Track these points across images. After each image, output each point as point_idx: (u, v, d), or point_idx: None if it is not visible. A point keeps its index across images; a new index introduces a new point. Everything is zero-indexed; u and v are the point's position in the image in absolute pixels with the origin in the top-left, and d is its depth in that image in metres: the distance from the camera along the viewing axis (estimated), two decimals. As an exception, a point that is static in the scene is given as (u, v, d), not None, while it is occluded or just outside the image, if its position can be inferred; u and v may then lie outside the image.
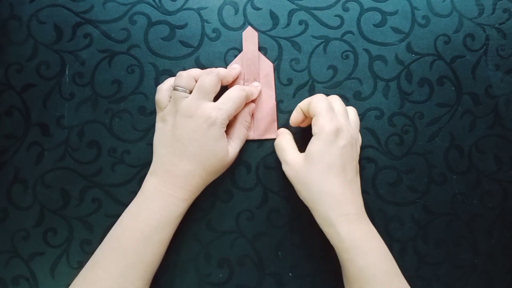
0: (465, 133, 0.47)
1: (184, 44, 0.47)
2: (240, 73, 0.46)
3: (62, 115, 0.47)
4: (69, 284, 0.43)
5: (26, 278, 0.45)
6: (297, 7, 0.48)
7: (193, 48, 0.47)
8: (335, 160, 0.39)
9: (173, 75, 0.47)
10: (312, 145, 0.40)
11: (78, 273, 0.44)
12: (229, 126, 0.44)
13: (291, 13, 0.48)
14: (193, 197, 0.43)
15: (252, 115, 0.46)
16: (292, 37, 0.48)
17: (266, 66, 0.47)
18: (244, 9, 0.48)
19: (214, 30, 0.48)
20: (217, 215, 0.46)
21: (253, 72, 0.46)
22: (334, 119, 0.40)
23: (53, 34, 0.47)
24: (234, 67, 0.46)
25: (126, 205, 0.45)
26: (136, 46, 0.47)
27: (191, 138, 0.41)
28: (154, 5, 0.48)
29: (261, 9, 0.48)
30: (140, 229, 0.40)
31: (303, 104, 0.43)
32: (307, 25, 0.48)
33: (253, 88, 0.46)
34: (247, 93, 0.44)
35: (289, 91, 0.47)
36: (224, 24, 0.48)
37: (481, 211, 0.46)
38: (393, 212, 0.46)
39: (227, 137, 0.43)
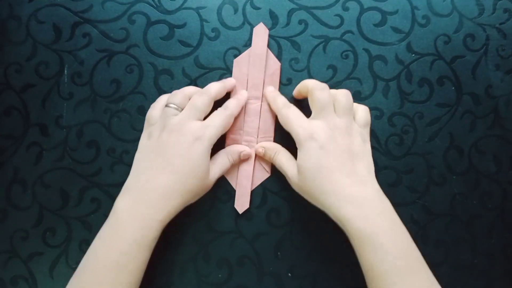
0: (465, 133, 0.46)
1: (183, 43, 0.47)
2: (235, 85, 0.46)
3: (61, 115, 0.46)
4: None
5: (25, 278, 0.45)
6: (297, 7, 0.48)
7: (192, 48, 0.47)
8: (321, 161, 0.39)
9: (173, 74, 0.47)
10: (297, 159, 0.41)
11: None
12: (215, 154, 0.44)
13: (290, 13, 0.48)
14: (168, 218, 0.40)
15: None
16: (291, 36, 0.47)
17: (273, 65, 0.46)
18: (244, 9, 0.48)
19: (213, 30, 0.47)
20: (216, 215, 0.46)
21: (258, 70, 0.46)
22: (304, 125, 0.41)
23: (52, 33, 0.47)
24: (229, 80, 0.46)
25: (125, 205, 0.45)
26: (135, 45, 0.47)
27: (175, 153, 0.40)
28: (153, 4, 0.48)
29: (261, 8, 0.48)
30: (114, 259, 0.38)
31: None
32: (306, 24, 0.47)
33: (238, 101, 0.45)
34: (232, 111, 0.43)
35: (289, 91, 0.47)
36: (223, 24, 0.48)
37: (481, 212, 0.46)
38: (392, 213, 0.46)
39: (210, 162, 0.42)
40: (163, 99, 0.44)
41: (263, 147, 0.45)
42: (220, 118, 0.42)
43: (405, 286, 0.36)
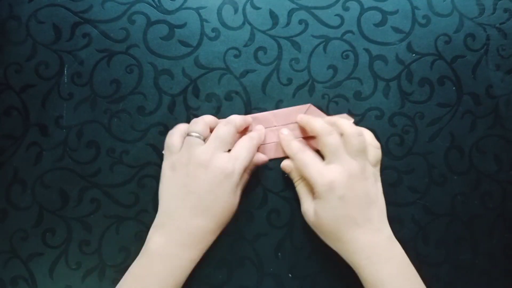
0: (465, 133, 0.46)
1: (183, 43, 0.47)
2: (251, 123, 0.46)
3: (60, 115, 0.46)
4: (68, 285, 0.43)
5: (24, 278, 0.45)
6: (297, 6, 0.48)
7: (192, 48, 0.47)
8: (337, 213, 0.39)
9: (173, 75, 0.47)
10: (315, 203, 0.41)
11: (76, 274, 0.44)
12: None
13: (291, 13, 0.48)
14: (201, 255, 0.41)
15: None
16: (292, 36, 0.47)
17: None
18: (244, 9, 0.48)
19: (213, 30, 0.47)
20: (216, 216, 0.46)
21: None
22: (322, 171, 0.40)
23: (52, 34, 0.47)
24: (248, 117, 0.45)
25: (125, 205, 0.45)
26: (135, 45, 0.47)
27: (207, 190, 0.39)
28: (153, 4, 0.48)
29: (261, 8, 0.48)
30: None
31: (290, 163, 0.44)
32: (307, 24, 0.47)
33: (260, 132, 0.45)
34: (257, 141, 0.43)
35: (289, 91, 0.47)
36: (223, 24, 0.47)
37: (482, 212, 0.46)
38: (393, 213, 0.46)
39: None
40: (180, 127, 0.44)
41: (290, 165, 0.44)
42: (247, 150, 0.42)
43: None
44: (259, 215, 0.46)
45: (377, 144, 0.43)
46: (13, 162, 0.46)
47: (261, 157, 0.45)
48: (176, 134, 0.42)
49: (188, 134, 0.41)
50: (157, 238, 0.40)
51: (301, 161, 0.42)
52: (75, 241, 0.45)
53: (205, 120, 0.43)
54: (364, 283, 0.40)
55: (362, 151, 0.41)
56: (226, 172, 0.39)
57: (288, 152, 0.44)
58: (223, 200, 0.40)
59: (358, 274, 0.40)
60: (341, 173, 0.39)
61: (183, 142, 0.42)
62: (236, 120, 0.43)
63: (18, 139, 0.46)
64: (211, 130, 0.43)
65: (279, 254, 0.45)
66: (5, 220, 0.45)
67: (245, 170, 0.42)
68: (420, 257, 0.45)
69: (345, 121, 0.43)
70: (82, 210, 0.46)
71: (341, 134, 0.41)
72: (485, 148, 0.46)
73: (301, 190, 0.43)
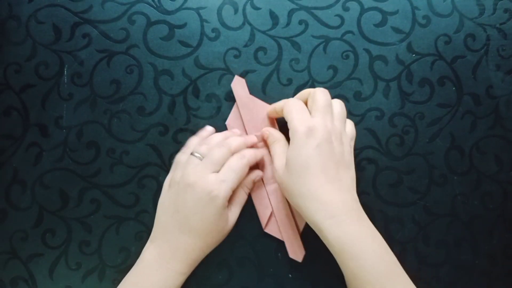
0: (465, 133, 0.46)
1: (183, 44, 0.47)
2: (255, 142, 0.45)
3: (60, 115, 0.46)
4: (68, 285, 0.43)
5: (24, 279, 0.45)
6: (297, 7, 0.48)
7: (192, 48, 0.47)
8: (311, 161, 0.38)
9: (173, 75, 0.47)
10: (288, 150, 0.40)
11: (77, 274, 0.44)
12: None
13: (291, 13, 0.48)
14: (191, 269, 0.43)
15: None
16: (292, 36, 0.47)
17: (263, 109, 0.46)
18: (244, 9, 0.48)
19: (213, 30, 0.47)
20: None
21: (251, 119, 0.46)
22: (305, 118, 0.39)
23: (51, 34, 0.47)
24: (251, 137, 0.45)
25: (125, 206, 0.45)
26: (135, 46, 0.47)
27: (192, 211, 0.41)
28: (153, 4, 0.48)
29: (261, 8, 0.48)
30: None
31: (278, 106, 0.43)
32: (307, 24, 0.47)
33: (255, 151, 0.44)
34: (248, 160, 0.42)
35: (289, 91, 0.47)
36: (223, 24, 0.47)
37: (482, 212, 0.46)
38: (393, 213, 0.46)
39: (228, 203, 0.42)
40: (192, 143, 0.45)
41: (269, 131, 0.44)
42: (236, 172, 0.41)
43: None
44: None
45: (353, 123, 0.43)
46: (13, 163, 0.46)
47: (257, 173, 0.45)
48: (186, 153, 0.44)
49: (192, 153, 0.43)
50: (151, 250, 0.42)
51: (291, 105, 0.41)
52: (75, 241, 0.45)
53: (211, 142, 0.43)
54: (330, 246, 0.38)
55: (344, 118, 0.41)
56: (212, 195, 0.40)
57: (280, 103, 0.43)
58: (208, 222, 0.41)
59: (322, 238, 0.38)
60: (323, 126, 0.39)
61: None
62: (233, 144, 0.43)
63: (18, 139, 0.46)
64: None
65: (279, 254, 0.45)
66: (5, 221, 0.45)
67: (240, 187, 0.43)
68: (420, 258, 0.45)
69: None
70: (82, 210, 0.45)
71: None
72: (486, 149, 0.46)
73: (276, 149, 0.43)
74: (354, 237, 0.37)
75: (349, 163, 0.41)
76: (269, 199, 0.45)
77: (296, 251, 0.44)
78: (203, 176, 0.41)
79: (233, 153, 0.43)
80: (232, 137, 0.44)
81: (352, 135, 0.43)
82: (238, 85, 0.46)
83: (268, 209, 0.45)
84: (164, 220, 0.42)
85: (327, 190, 0.38)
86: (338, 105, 0.42)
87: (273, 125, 0.46)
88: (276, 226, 0.45)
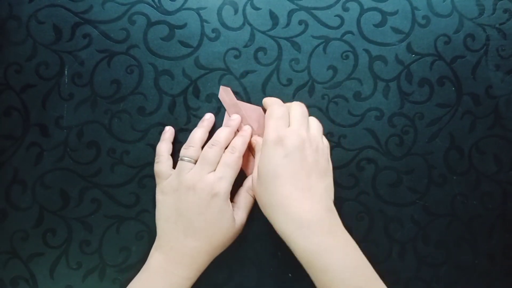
0: (465, 133, 0.46)
1: (183, 44, 0.47)
2: (240, 122, 0.46)
3: (61, 115, 0.46)
4: (68, 285, 0.43)
5: (25, 279, 0.45)
6: (297, 7, 0.48)
7: (193, 48, 0.47)
8: (279, 170, 0.38)
9: (173, 75, 0.47)
10: (259, 159, 0.41)
11: (77, 274, 0.44)
12: (236, 195, 0.44)
13: (290, 13, 0.48)
14: (198, 274, 0.42)
15: None
16: (291, 37, 0.47)
17: (255, 111, 0.46)
18: (244, 9, 0.48)
19: (213, 30, 0.47)
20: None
21: (245, 122, 0.46)
22: (280, 127, 0.40)
23: (52, 34, 0.47)
24: (234, 118, 0.45)
25: (125, 205, 0.45)
26: (135, 46, 0.47)
27: (196, 212, 0.40)
28: (154, 5, 0.48)
29: (261, 9, 0.48)
30: None
31: (266, 102, 0.45)
32: (307, 25, 0.47)
33: (244, 138, 0.44)
34: (240, 152, 0.43)
35: (289, 91, 0.47)
36: (223, 24, 0.48)
37: (481, 212, 0.46)
38: (393, 213, 0.46)
39: (234, 206, 0.43)
40: (162, 150, 0.44)
41: (256, 141, 0.45)
42: (231, 167, 0.42)
43: None
44: (260, 215, 0.46)
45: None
46: (13, 163, 0.46)
47: None
48: (162, 161, 0.44)
49: (181, 159, 0.42)
50: (157, 256, 0.41)
51: (271, 110, 0.42)
52: (75, 241, 0.45)
53: (196, 143, 0.43)
54: (299, 258, 0.38)
55: (319, 128, 0.43)
56: (213, 193, 0.40)
57: (267, 102, 0.45)
58: (213, 221, 0.41)
59: (291, 248, 0.38)
60: (296, 135, 0.39)
61: (170, 166, 0.43)
62: (221, 139, 0.43)
63: (18, 139, 0.46)
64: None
65: (279, 253, 0.45)
66: (5, 221, 0.46)
67: (244, 191, 0.44)
68: (420, 258, 0.45)
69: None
70: (82, 210, 0.46)
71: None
72: (485, 149, 0.46)
73: (257, 159, 0.43)
74: (322, 248, 0.36)
75: (325, 171, 0.41)
76: None
77: None
78: (202, 178, 0.41)
79: (224, 148, 0.43)
80: (219, 131, 0.44)
81: (327, 142, 0.44)
82: (224, 94, 0.46)
83: None
84: (167, 227, 0.42)
85: (296, 200, 0.37)
86: (314, 120, 0.44)
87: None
88: None
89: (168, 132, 0.45)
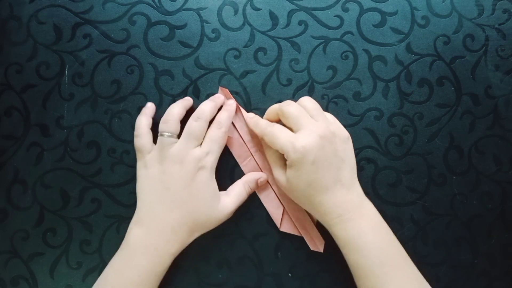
0: (464, 133, 0.47)
1: (183, 44, 0.47)
2: (223, 100, 0.46)
3: (61, 115, 0.47)
4: (68, 285, 0.43)
5: (25, 278, 0.45)
6: (297, 8, 0.48)
7: (193, 49, 0.47)
8: (311, 178, 0.40)
9: (173, 75, 0.47)
10: (288, 173, 0.41)
11: (77, 273, 0.44)
12: (233, 184, 0.44)
13: (290, 14, 0.48)
14: (179, 250, 0.42)
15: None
16: (291, 37, 0.48)
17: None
18: (244, 10, 0.48)
19: (213, 31, 0.48)
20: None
21: (245, 123, 0.46)
22: (291, 139, 0.40)
23: (52, 34, 0.47)
24: (217, 96, 0.46)
25: (125, 205, 0.46)
26: (135, 46, 0.47)
27: (181, 185, 0.41)
28: (154, 5, 0.48)
29: (261, 9, 0.48)
30: (124, 286, 0.40)
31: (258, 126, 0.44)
32: (306, 25, 0.48)
33: (228, 112, 0.44)
34: (226, 127, 0.43)
35: (289, 91, 0.47)
36: (223, 25, 0.48)
37: (481, 212, 0.46)
38: (392, 213, 0.46)
39: (225, 194, 0.43)
40: (143, 124, 0.44)
41: (256, 123, 0.44)
42: (217, 142, 0.42)
43: (390, 281, 0.38)
44: (259, 215, 0.46)
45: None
46: (14, 162, 0.46)
47: (262, 175, 0.45)
48: (142, 135, 0.43)
49: (160, 134, 0.42)
50: (137, 232, 0.41)
51: (271, 133, 0.42)
52: (75, 241, 0.45)
53: (174, 117, 0.43)
54: (337, 240, 0.41)
55: (319, 109, 0.43)
56: (199, 166, 0.41)
57: (257, 131, 0.44)
58: (197, 193, 0.41)
59: (331, 233, 0.41)
60: (310, 135, 0.40)
61: (151, 140, 0.43)
62: (206, 112, 0.43)
63: (19, 139, 0.46)
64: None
65: (279, 254, 0.46)
66: (5, 220, 0.46)
67: (241, 183, 0.44)
68: (420, 257, 0.45)
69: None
70: (82, 210, 0.46)
71: None
72: (484, 149, 0.46)
73: (272, 157, 0.44)
74: (356, 232, 0.40)
75: (345, 155, 0.42)
76: (279, 199, 0.45)
77: (316, 243, 0.45)
78: (188, 152, 0.41)
79: (208, 121, 0.43)
80: (203, 104, 0.44)
81: (334, 119, 0.44)
82: (223, 95, 0.46)
83: (280, 209, 0.45)
84: (151, 200, 0.42)
85: (330, 196, 0.40)
86: (309, 102, 0.43)
87: None
88: (291, 223, 0.45)
89: (150, 108, 0.45)
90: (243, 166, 0.46)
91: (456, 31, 0.48)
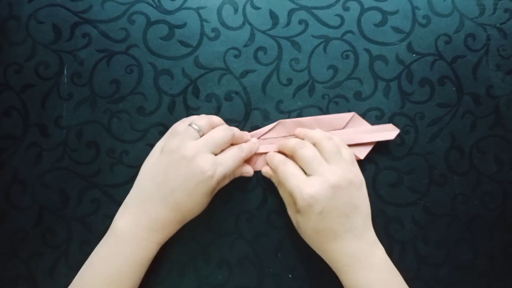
0: (465, 133, 0.46)
1: (183, 43, 0.47)
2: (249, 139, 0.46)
3: (60, 115, 0.46)
4: (68, 285, 0.43)
5: (25, 278, 0.45)
6: (297, 7, 0.48)
7: (192, 48, 0.47)
8: (319, 227, 0.40)
9: (172, 75, 0.47)
10: (297, 217, 0.41)
11: (77, 273, 0.44)
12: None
13: (291, 13, 0.47)
14: (166, 239, 0.42)
15: None
16: (292, 36, 0.47)
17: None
18: (244, 9, 0.48)
19: (213, 30, 0.47)
20: (216, 217, 0.46)
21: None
22: (302, 185, 0.39)
23: (51, 34, 0.47)
24: (254, 141, 0.46)
25: (125, 206, 0.45)
26: (134, 45, 0.47)
27: (182, 186, 0.40)
28: (153, 4, 0.48)
29: (261, 8, 0.48)
30: (110, 276, 0.39)
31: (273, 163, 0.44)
32: (307, 24, 0.47)
33: (252, 145, 0.45)
34: (246, 155, 0.43)
35: (289, 91, 0.47)
36: (223, 24, 0.47)
37: (482, 212, 0.46)
38: (393, 213, 0.46)
39: None
40: (192, 118, 0.44)
41: (269, 172, 0.45)
42: (233, 160, 0.42)
43: None
44: (259, 215, 0.46)
45: (345, 144, 0.44)
46: (13, 163, 0.46)
47: (248, 170, 0.45)
48: (185, 122, 0.43)
49: (189, 125, 0.42)
50: (125, 218, 0.41)
51: (283, 173, 0.42)
52: (75, 241, 0.45)
53: (211, 119, 0.43)
54: (343, 283, 0.41)
55: (337, 153, 0.41)
56: (206, 175, 0.39)
57: (271, 165, 0.44)
58: (195, 200, 0.40)
59: (342, 281, 0.41)
60: (321, 184, 0.39)
61: (199, 134, 0.42)
62: (235, 130, 0.44)
63: (18, 139, 0.46)
64: None
65: (279, 254, 0.45)
66: (5, 221, 0.45)
67: (227, 177, 0.43)
68: (420, 258, 0.45)
69: (314, 131, 0.44)
70: (82, 210, 0.46)
71: (314, 144, 0.42)
72: (486, 149, 0.46)
73: (284, 194, 0.44)
74: (368, 282, 0.39)
75: (358, 202, 0.41)
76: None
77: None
78: (202, 153, 0.40)
79: (233, 141, 0.43)
80: (234, 128, 0.44)
81: (351, 158, 0.43)
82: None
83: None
84: (147, 187, 0.41)
85: (339, 244, 0.40)
86: (327, 143, 0.42)
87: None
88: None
89: (209, 116, 0.44)
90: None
91: (457, 30, 0.47)
